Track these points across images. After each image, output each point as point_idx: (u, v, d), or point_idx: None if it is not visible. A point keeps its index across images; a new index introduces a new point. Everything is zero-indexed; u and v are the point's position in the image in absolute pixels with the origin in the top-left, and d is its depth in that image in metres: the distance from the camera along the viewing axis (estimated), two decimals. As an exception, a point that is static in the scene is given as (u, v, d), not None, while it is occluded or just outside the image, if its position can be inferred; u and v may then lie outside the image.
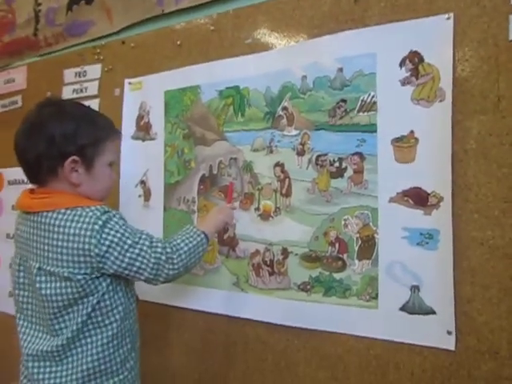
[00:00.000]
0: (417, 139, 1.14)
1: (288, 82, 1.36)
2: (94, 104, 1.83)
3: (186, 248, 1.17)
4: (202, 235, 1.22)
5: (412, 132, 1.15)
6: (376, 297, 1.20)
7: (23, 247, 1.18)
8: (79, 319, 1.11)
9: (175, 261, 1.14)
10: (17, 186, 2.10)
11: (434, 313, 1.12)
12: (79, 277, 1.09)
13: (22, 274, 1.18)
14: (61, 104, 1.23)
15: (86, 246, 1.07)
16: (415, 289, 1.14)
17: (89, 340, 1.12)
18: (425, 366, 1.13)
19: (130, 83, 1.75)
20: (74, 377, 1.12)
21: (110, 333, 1.14)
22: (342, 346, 1.25)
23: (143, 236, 1.13)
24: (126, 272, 1.12)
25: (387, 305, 1.18)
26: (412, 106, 1.16)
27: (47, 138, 1.11)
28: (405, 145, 1.16)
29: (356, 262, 1.23)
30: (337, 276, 1.26)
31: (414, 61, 1.15)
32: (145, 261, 1.11)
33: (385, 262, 1.19)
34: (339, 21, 1.28)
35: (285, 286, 1.35)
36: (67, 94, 1.96)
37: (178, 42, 1.61)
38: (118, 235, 1.09)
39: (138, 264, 1.11)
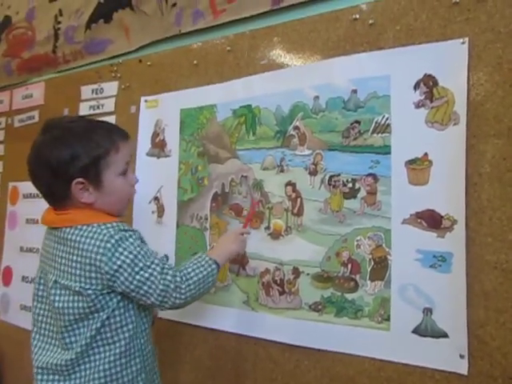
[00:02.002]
0: (430, 161, 1.15)
1: (299, 102, 1.38)
2: (110, 120, 1.85)
3: (195, 278, 1.16)
4: (214, 265, 1.22)
5: (426, 154, 1.15)
6: (388, 318, 1.19)
7: (45, 261, 1.20)
8: (88, 334, 1.11)
9: (183, 290, 1.13)
10: (32, 199, 2.13)
11: (446, 336, 1.11)
12: (89, 292, 1.10)
13: (41, 286, 1.21)
14: (57, 128, 1.18)
15: (98, 263, 1.08)
16: (428, 311, 1.14)
17: (97, 356, 1.12)
18: (437, 390, 1.13)
19: (146, 101, 1.78)
20: None
21: (117, 350, 1.14)
22: (353, 368, 1.25)
23: (155, 261, 1.13)
24: (133, 294, 1.12)
25: (399, 327, 1.17)
26: (426, 128, 1.16)
27: (47, 168, 1.13)
28: (418, 167, 1.17)
29: (368, 282, 1.23)
30: (349, 296, 1.25)
31: (429, 84, 1.16)
32: (153, 286, 1.11)
33: (397, 283, 1.18)
34: (354, 43, 1.29)
35: (295, 306, 1.35)
36: (84, 110, 2.00)
37: (195, 62, 1.64)
38: (131, 256, 1.10)
39: (145, 288, 1.11)
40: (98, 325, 1.11)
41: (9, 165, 2.34)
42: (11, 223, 2.27)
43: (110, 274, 1.08)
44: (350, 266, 1.26)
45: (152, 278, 1.10)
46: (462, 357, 1.09)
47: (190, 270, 1.17)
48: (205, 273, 1.19)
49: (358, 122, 1.27)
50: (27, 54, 2.34)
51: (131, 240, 1.12)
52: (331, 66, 1.33)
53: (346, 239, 1.27)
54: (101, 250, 1.08)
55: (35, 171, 1.17)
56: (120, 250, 1.09)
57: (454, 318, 1.10)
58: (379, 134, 1.23)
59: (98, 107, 1.95)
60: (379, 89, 1.24)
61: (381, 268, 1.21)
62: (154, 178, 1.71)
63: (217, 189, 1.56)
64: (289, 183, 1.39)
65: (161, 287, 1.11)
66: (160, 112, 1.73)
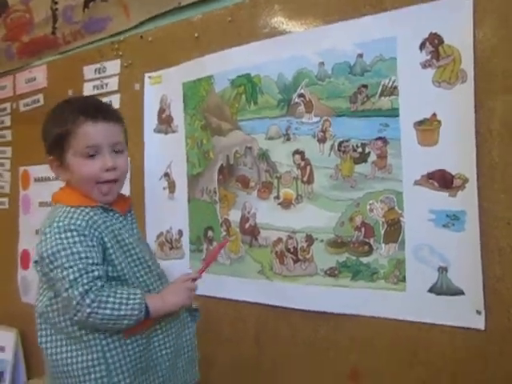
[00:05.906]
0: (439, 122, 1.14)
1: (303, 69, 1.36)
2: (115, 99, 1.86)
3: (108, 311, 1.02)
4: (139, 313, 1.06)
5: (434, 115, 1.15)
6: (404, 279, 1.21)
7: None
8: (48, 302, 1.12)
9: (85, 314, 1.02)
10: (43, 182, 2.14)
11: (462, 293, 1.13)
12: (38, 268, 1.11)
13: None
14: (57, 103, 1.21)
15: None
16: (443, 270, 1.15)
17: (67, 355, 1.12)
18: (455, 346, 1.14)
19: (149, 77, 1.77)
20: None
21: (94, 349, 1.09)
22: (371, 329, 1.27)
23: (75, 267, 1.02)
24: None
25: (415, 287, 1.19)
26: (433, 88, 1.15)
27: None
28: (428, 128, 1.16)
29: (383, 245, 1.24)
30: (364, 260, 1.27)
31: (434, 43, 1.15)
32: (62, 288, 1.03)
33: (411, 244, 1.19)
34: (356, 6, 1.27)
35: (311, 272, 1.37)
36: (88, 90, 1.99)
37: (196, 35, 1.62)
38: (54, 250, 1.04)
39: (57, 286, 1.05)
40: (51, 295, 1.12)
41: (18, 149, 2.34)
42: (25, 207, 2.29)
43: (36, 259, 1.09)
44: (363, 230, 1.27)
45: (63, 281, 1.03)
46: (478, 312, 1.10)
47: (111, 300, 1.03)
48: (122, 313, 1.03)
49: (365, 86, 1.26)
50: (27, 38, 2.31)
51: (69, 234, 1.05)
52: (335, 31, 1.31)
53: (359, 204, 1.27)
54: (42, 235, 1.08)
55: None
56: (52, 239, 1.05)
57: (469, 275, 1.11)
58: (387, 97, 1.22)
59: (102, 87, 1.94)
60: (385, 51, 1.22)
61: (394, 230, 1.22)
62: (163, 154, 1.72)
63: (222, 161, 1.56)
64: (297, 151, 1.39)
65: (65, 294, 1.03)
66: (164, 87, 1.72)
